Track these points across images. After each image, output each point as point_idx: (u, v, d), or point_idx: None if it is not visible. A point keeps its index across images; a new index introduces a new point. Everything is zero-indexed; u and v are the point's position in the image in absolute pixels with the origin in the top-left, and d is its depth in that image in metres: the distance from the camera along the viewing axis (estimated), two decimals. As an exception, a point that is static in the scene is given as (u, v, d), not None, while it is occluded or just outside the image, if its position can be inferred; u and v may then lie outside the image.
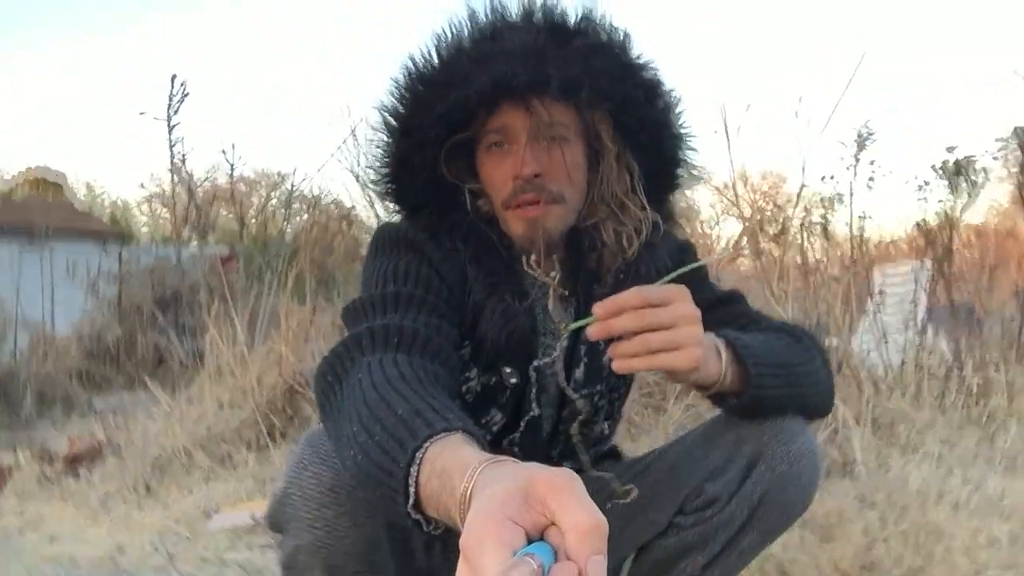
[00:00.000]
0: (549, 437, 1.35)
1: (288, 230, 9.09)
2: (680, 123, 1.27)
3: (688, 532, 1.25)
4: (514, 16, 1.21)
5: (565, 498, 0.59)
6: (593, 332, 1.04)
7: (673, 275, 1.15)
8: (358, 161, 4.59)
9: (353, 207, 4.65)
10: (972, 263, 3.57)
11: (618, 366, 1.04)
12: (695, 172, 1.32)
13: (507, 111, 1.20)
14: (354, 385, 0.98)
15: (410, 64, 1.22)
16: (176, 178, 6.90)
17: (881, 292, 3.32)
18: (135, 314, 8.44)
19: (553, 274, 1.22)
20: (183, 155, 6.45)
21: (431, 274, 1.22)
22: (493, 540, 0.57)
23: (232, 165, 7.04)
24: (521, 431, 1.31)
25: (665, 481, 1.28)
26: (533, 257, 1.22)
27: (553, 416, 1.34)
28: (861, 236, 3.40)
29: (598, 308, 1.03)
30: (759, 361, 1.14)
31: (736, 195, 3.92)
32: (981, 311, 3.73)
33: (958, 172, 3.24)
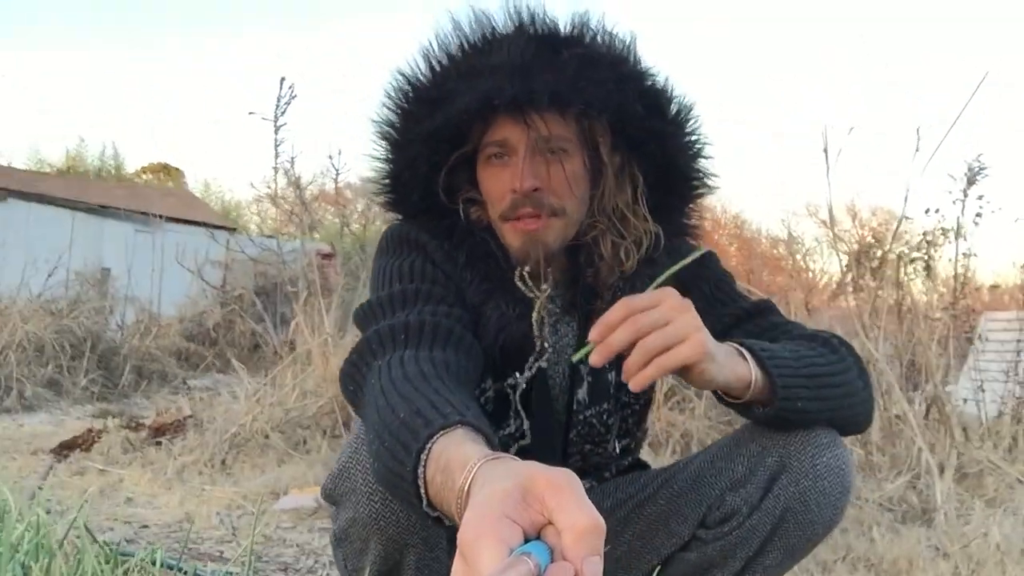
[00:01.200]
0: (562, 455, 1.33)
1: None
2: (692, 132, 1.23)
3: (709, 547, 1.23)
4: (503, 27, 1.19)
5: (563, 498, 0.59)
6: (595, 359, 1.02)
7: (667, 274, 1.14)
8: None
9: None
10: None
11: (635, 384, 1.01)
12: (709, 183, 1.28)
13: (505, 124, 1.18)
14: (368, 390, 1.01)
15: (400, 78, 1.21)
16: (283, 175, 7.16)
17: (983, 338, 3.16)
18: (235, 301, 8.74)
19: (544, 287, 1.23)
20: (292, 156, 6.69)
21: (436, 271, 1.22)
22: (490, 537, 0.56)
23: (337, 170, 7.28)
24: (516, 446, 1.29)
25: (687, 493, 1.25)
26: (526, 270, 1.22)
27: (561, 435, 1.32)
28: (964, 275, 3.23)
29: (592, 334, 1.02)
30: (786, 370, 1.10)
31: (833, 228, 3.78)
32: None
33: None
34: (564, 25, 1.19)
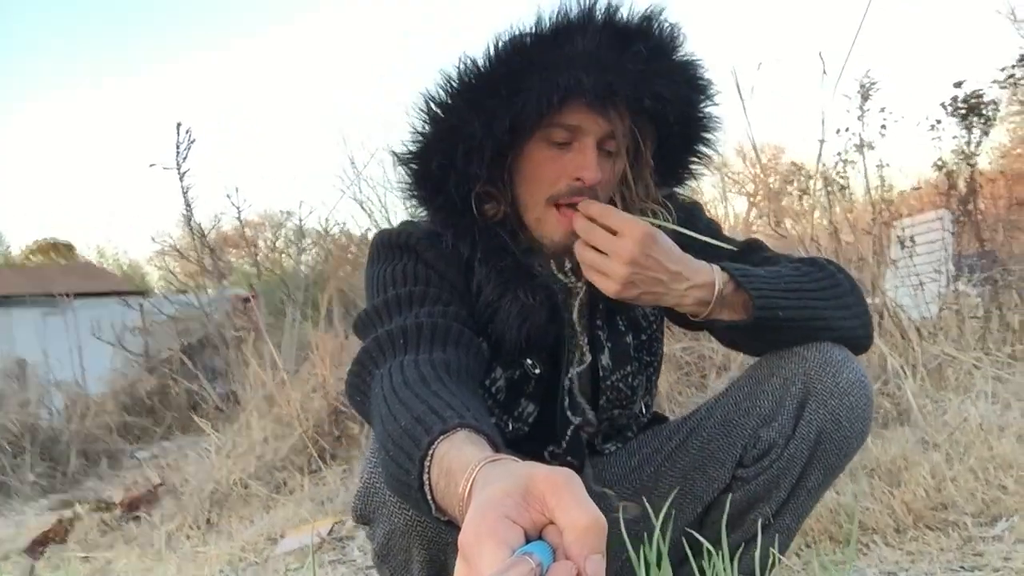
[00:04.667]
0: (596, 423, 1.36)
1: (302, 264, 9.22)
2: (708, 110, 1.24)
3: (752, 483, 1.26)
4: (576, 17, 1.15)
5: (564, 497, 0.58)
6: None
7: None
8: (359, 188, 4.66)
9: (367, 231, 4.67)
10: (998, 201, 3.54)
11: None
12: (712, 155, 1.30)
13: (579, 111, 1.16)
14: (373, 399, 1.01)
15: (468, 65, 1.17)
16: (190, 226, 6.99)
17: (913, 240, 3.30)
18: (164, 364, 8.50)
19: (581, 284, 1.26)
20: (191, 203, 6.54)
21: (428, 272, 1.23)
22: (491, 538, 0.56)
23: (239, 208, 7.13)
24: (567, 439, 1.31)
25: (719, 438, 1.29)
26: (569, 266, 1.26)
27: (589, 404, 1.34)
28: (882, 187, 3.37)
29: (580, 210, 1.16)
30: (762, 285, 1.16)
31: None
32: (1000, 254, 3.70)
33: (970, 109, 3.22)
34: (633, 16, 1.17)
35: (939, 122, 3.50)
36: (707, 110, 1.23)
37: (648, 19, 1.16)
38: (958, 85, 3.48)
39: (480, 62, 1.16)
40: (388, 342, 1.09)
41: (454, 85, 1.18)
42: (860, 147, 3.55)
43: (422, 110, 1.19)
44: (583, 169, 1.17)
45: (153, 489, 3.47)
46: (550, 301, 1.24)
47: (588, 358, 1.29)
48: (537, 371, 1.27)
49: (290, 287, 7.49)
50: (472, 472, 0.70)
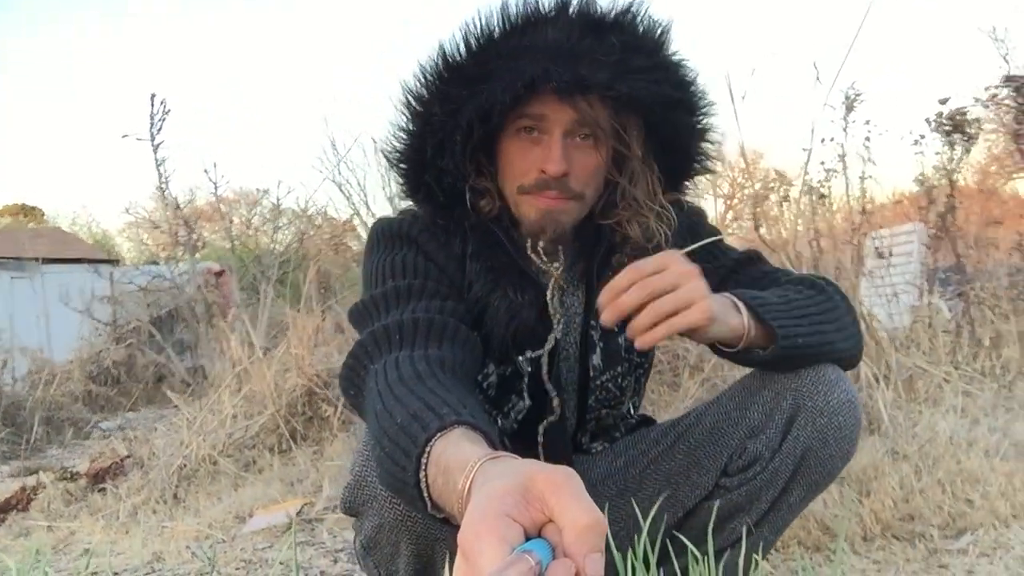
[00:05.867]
0: (577, 422, 1.37)
1: (277, 243, 9.19)
2: (705, 117, 1.24)
3: (734, 493, 1.27)
4: (547, 6, 1.15)
5: (563, 495, 0.58)
6: (606, 318, 1.05)
7: (685, 252, 1.16)
8: (338, 170, 4.65)
9: (356, 213, 4.65)
10: (972, 217, 3.60)
11: (640, 343, 1.05)
12: (709, 165, 1.30)
13: (546, 100, 1.16)
14: (368, 395, 1.01)
15: (438, 56, 1.18)
16: (164, 198, 6.93)
17: (891, 252, 3.34)
18: (132, 334, 8.41)
19: (557, 265, 1.25)
20: (167, 176, 6.48)
21: (428, 265, 1.22)
22: (491, 536, 0.56)
23: (215, 184, 7.09)
24: (547, 422, 1.32)
25: (705, 445, 1.29)
26: (541, 244, 1.23)
27: (576, 402, 1.35)
28: (863, 197, 3.41)
29: (602, 298, 1.05)
30: (779, 314, 1.15)
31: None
32: (973, 269, 3.76)
33: (955, 126, 3.26)
34: (608, 7, 1.16)
35: (923, 137, 3.55)
36: (702, 119, 1.23)
37: (625, 12, 1.15)
38: (943, 102, 3.52)
39: (448, 52, 1.17)
40: (384, 337, 1.09)
41: (427, 76, 1.19)
42: (843, 157, 3.59)
43: (401, 101, 1.21)
44: (547, 161, 1.17)
45: (119, 461, 3.43)
46: (540, 299, 1.24)
47: (551, 344, 1.27)
48: (530, 369, 1.27)
49: (264, 264, 7.47)
50: (472, 469, 0.69)
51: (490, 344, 1.23)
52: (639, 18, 1.16)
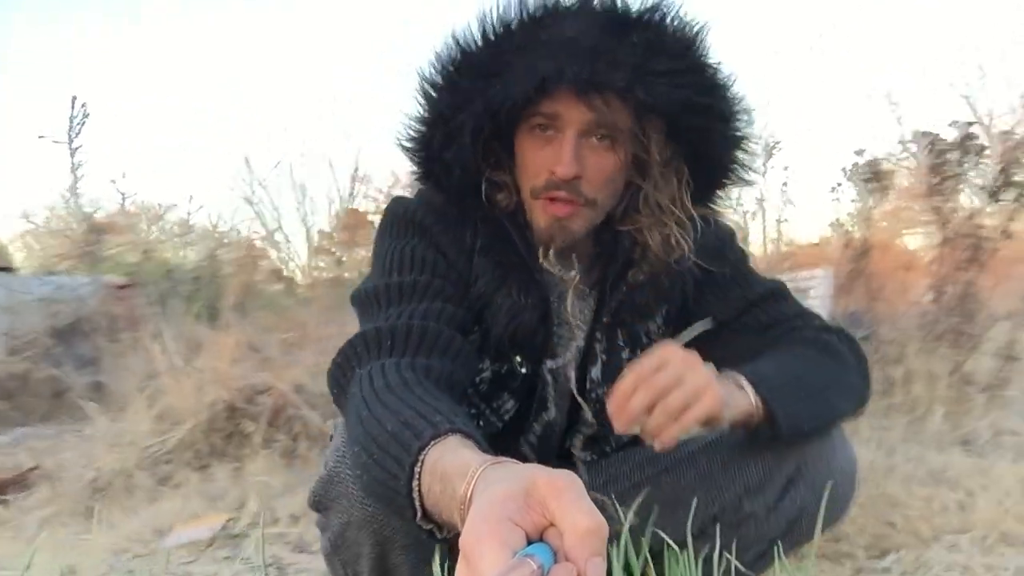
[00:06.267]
0: (561, 437, 1.36)
1: (186, 260, 8.96)
2: (739, 125, 1.17)
3: (721, 539, 1.23)
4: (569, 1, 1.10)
5: (565, 500, 0.59)
6: (618, 428, 1.03)
7: (682, 337, 1.20)
8: (252, 189, 4.60)
9: (273, 231, 4.59)
10: (885, 262, 3.78)
11: (659, 447, 1.02)
12: (745, 176, 1.23)
13: (562, 98, 1.10)
14: (351, 398, 0.99)
15: (452, 46, 1.14)
16: (71, 205, 6.69)
17: (807, 294, 3.49)
18: (27, 346, 8.03)
19: (574, 273, 1.20)
20: (78, 182, 6.27)
21: (437, 258, 1.19)
22: (493, 540, 0.57)
23: (123, 195, 6.91)
24: (538, 434, 1.31)
25: (697, 489, 1.26)
26: (552, 252, 1.19)
27: (563, 420, 1.34)
28: (779, 241, 3.57)
29: (610, 407, 1.03)
30: (786, 400, 1.12)
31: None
32: (884, 311, 3.94)
33: (873, 175, 3.44)
34: (635, 3, 1.10)
35: (840, 185, 3.74)
36: (737, 127, 1.17)
37: (653, 10, 1.09)
38: (859, 153, 3.72)
39: (463, 41, 1.13)
40: (375, 341, 1.06)
41: (440, 64, 1.15)
42: (761, 201, 3.76)
43: (416, 90, 1.17)
44: (557, 162, 1.12)
45: (25, 473, 3.28)
46: (544, 303, 1.22)
47: (571, 354, 1.26)
48: (524, 371, 1.25)
49: (175, 280, 7.27)
50: (474, 475, 0.69)
51: (488, 340, 1.22)
52: (668, 17, 1.09)
